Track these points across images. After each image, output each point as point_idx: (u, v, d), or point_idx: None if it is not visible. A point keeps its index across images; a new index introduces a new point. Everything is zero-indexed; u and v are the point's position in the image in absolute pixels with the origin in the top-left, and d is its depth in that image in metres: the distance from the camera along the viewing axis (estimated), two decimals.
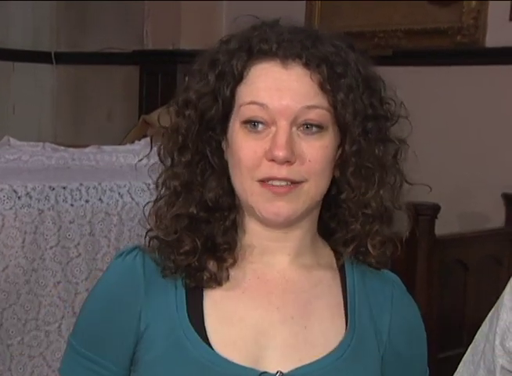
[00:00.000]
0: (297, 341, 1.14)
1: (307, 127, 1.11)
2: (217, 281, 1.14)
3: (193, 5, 4.31)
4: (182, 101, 1.17)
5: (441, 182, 3.63)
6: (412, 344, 1.23)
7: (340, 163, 1.15)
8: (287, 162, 1.10)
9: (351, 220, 1.17)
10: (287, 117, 1.10)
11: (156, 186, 1.19)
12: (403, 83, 4.35)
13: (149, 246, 1.18)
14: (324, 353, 1.14)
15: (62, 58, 4.98)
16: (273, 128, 1.11)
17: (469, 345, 3.31)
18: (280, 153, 1.09)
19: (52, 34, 5.02)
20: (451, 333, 3.15)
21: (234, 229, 1.17)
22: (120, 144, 3.45)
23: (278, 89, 1.11)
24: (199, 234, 1.15)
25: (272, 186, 1.11)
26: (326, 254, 1.21)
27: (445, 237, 3.11)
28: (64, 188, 2.35)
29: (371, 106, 1.16)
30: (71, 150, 2.72)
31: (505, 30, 3.48)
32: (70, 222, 2.36)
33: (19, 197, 2.27)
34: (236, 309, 1.14)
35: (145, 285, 1.15)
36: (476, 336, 1.27)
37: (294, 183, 1.11)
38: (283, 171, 1.10)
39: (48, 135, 4.66)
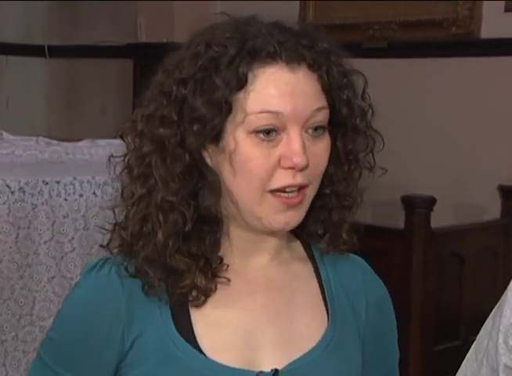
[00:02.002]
0: (285, 337, 1.14)
1: (315, 129, 1.10)
2: (205, 294, 1.11)
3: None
4: (188, 116, 1.08)
5: (436, 174, 3.63)
6: (385, 319, 1.25)
7: (331, 158, 1.14)
8: (304, 168, 1.08)
9: (332, 211, 1.17)
10: (300, 122, 1.08)
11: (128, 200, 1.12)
12: (398, 75, 4.36)
13: (127, 261, 1.12)
14: (310, 346, 1.14)
15: (55, 51, 4.96)
16: (284, 135, 1.08)
17: (465, 338, 3.32)
18: (299, 160, 1.07)
19: (45, 28, 5.00)
20: (447, 326, 3.15)
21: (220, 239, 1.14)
22: (114, 138, 3.44)
23: (291, 95, 1.07)
24: (194, 257, 1.11)
25: (285, 197, 1.09)
26: (297, 245, 1.21)
27: (441, 230, 3.11)
28: (58, 182, 2.34)
29: (358, 101, 1.16)
30: (65, 144, 2.71)
31: (500, 22, 3.47)
32: (64, 217, 2.35)
33: (12, 192, 2.25)
34: (223, 313, 1.13)
35: (126, 300, 1.11)
36: (479, 333, 1.27)
37: (301, 188, 1.10)
38: (298, 179, 1.08)
39: (42, 129, 4.64)
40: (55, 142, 2.71)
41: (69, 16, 4.92)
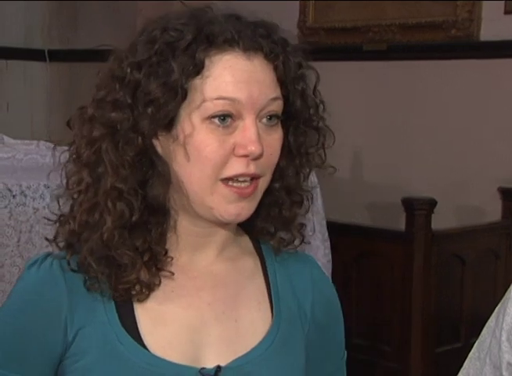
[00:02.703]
0: (230, 334, 1.13)
1: (269, 118, 1.09)
2: (149, 288, 1.10)
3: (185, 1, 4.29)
4: (142, 97, 1.06)
5: (437, 176, 3.63)
6: (331, 318, 1.24)
7: (283, 151, 1.13)
8: (259, 157, 1.07)
9: (283, 207, 1.17)
10: (255, 110, 1.07)
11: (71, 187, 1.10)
12: (398, 77, 4.36)
13: (68, 256, 1.10)
14: (255, 343, 1.14)
15: (55, 55, 4.97)
16: (239, 122, 1.07)
17: (466, 340, 3.32)
18: (254, 148, 1.06)
19: (45, 32, 5.00)
20: (448, 328, 3.15)
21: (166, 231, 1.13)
22: None
23: (247, 82, 1.07)
24: (139, 250, 1.09)
25: (236, 187, 1.07)
26: (244, 240, 1.20)
27: (442, 232, 3.12)
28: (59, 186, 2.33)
29: (312, 95, 1.15)
30: (65, 148, 2.70)
31: (500, 24, 3.47)
32: None
33: (13, 196, 2.25)
34: (168, 309, 1.12)
35: (68, 292, 1.10)
36: (482, 331, 1.27)
37: (254, 179, 1.08)
38: (252, 168, 1.07)
39: (42, 133, 4.65)
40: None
41: (68, 20, 4.92)
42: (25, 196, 2.27)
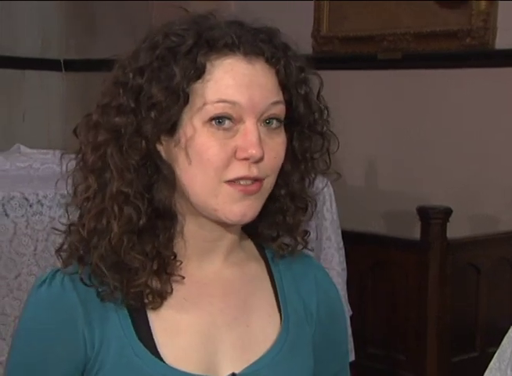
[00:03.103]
0: (243, 340, 1.14)
1: (267, 122, 1.09)
2: (161, 297, 1.10)
3: (201, 10, 4.30)
4: (145, 102, 1.07)
5: (452, 185, 3.62)
6: (335, 319, 1.25)
7: (287, 156, 1.14)
8: (259, 160, 1.08)
9: (287, 213, 1.17)
10: (256, 113, 1.07)
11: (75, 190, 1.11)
12: (412, 86, 4.35)
13: (81, 268, 1.10)
14: (266, 348, 1.14)
15: (71, 65, 4.99)
16: (240, 126, 1.07)
17: (482, 349, 3.29)
18: (255, 151, 1.06)
19: (61, 42, 5.03)
20: (464, 336, 3.14)
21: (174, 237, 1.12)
22: None
23: (248, 86, 1.07)
24: (148, 254, 1.09)
25: (241, 185, 1.07)
26: (248, 244, 1.20)
27: (457, 241, 3.11)
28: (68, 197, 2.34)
29: (316, 100, 1.16)
30: (73, 156, 2.70)
31: None
32: None
33: (30, 205, 2.27)
34: (181, 318, 1.12)
35: (82, 309, 1.09)
36: (503, 341, 1.26)
37: (257, 180, 1.09)
38: (254, 170, 1.07)
39: (58, 142, 4.67)
40: (73, 155, 2.72)
41: (84, 30, 4.95)
42: (42, 205, 2.29)
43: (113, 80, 1.11)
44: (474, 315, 3.15)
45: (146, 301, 1.10)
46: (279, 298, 1.18)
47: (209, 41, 1.08)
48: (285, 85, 1.11)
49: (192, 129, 1.07)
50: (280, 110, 1.10)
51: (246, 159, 1.07)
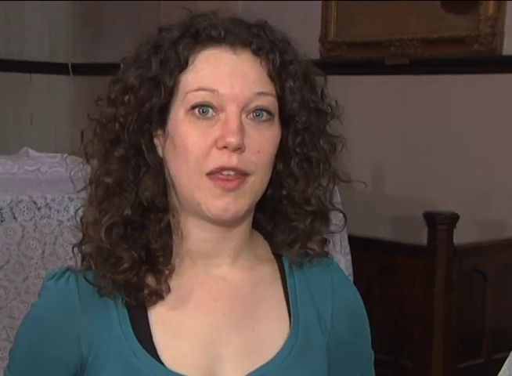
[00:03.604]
0: (248, 345, 1.12)
1: (257, 114, 1.08)
2: (158, 295, 1.10)
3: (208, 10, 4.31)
4: (121, 87, 1.10)
5: (459, 190, 3.62)
6: (355, 328, 1.21)
7: (281, 155, 1.13)
8: (238, 149, 1.06)
9: (293, 217, 1.14)
10: (238, 103, 1.06)
11: (86, 187, 1.14)
12: (420, 91, 4.34)
13: (82, 264, 1.12)
14: (273, 354, 1.11)
15: (78, 69, 5.01)
16: (222, 115, 1.07)
17: (488, 355, 3.28)
18: (233, 139, 1.05)
19: (69, 46, 5.04)
20: (470, 342, 3.13)
21: (168, 233, 1.12)
22: None
23: (229, 75, 1.07)
24: (135, 245, 1.09)
25: (221, 179, 1.06)
26: (261, 245, 1.18)
27: (464, 246, 3.10)
28: (83, 199, 2.35)
29: (315, 98, 1.14)
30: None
31: None
32: None
33: (38, 208, 2.27)
34: (183, 321, 1.11)
35: (81, 308, 1.10)
36: None
37: (242, 175, 1.07)
38: (233, 160, 1.06)
39: (65, 146, 4.68)
40: (80, 159, 2.73)
41: (92, 34, 4.96)
42: (50, 208, 2.29)
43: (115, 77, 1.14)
44: (480, 321, 3.14)
45: (145, 295, 1.10)
46: (290, 302, 1.15)
47: (193, 33, 1.09)
48: (274, 78, 1.10)
49: (175, 120, 1.08)
50: (268, 102, 1.09)
51: (225, 148, 1.06)
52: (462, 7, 3.57)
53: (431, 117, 3.72)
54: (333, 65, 3.79)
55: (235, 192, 1.07)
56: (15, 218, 2.23)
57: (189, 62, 1.08)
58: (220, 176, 1.06)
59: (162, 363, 1.08)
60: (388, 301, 3.19)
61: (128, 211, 1.09)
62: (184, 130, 1.07)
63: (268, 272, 1.17)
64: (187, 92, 1.07)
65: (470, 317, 3.12)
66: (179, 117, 1.08)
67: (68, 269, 1.14)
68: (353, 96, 3.89)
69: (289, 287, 1.16)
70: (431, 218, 3.05)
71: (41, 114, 4.94)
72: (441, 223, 3.02)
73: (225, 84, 1.07)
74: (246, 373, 1.10)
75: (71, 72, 5.02)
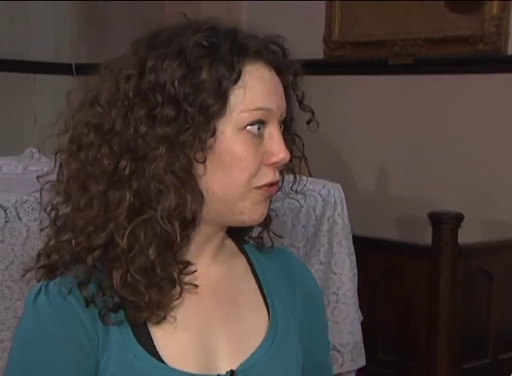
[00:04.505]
0: (237, 337, 1.16)
1: (279, 126, 1.13)
2: (161, 309, 1.09)
3: (212, 10, 4.32)
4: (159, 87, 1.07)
5: (463, 190, 3.61)
6: (317, 309, 1.28)
7: None
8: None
9: None
10: (278, 118, 1.12)
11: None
12: (424, 91, 4.34)
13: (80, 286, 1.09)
14: (258, 342, 1.16)
15: (82, 69, 5.01)
16: (265, 130, 1.11)
17: (494, 355, 3.26)
18: (285, 155, 1.11)
19: (73, 47, 5.05)
20: (476, 343, 3.12)
21: None
22: None
23: (274, 92, 1.11)
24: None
25: (265, 189, 1.12)
26: (229, 243, 1.22)
27: (469, 246, 3.10)
28: None
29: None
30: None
31: None
32: None
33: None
34: (178, 319, 1.12)
35: (86, 316, 1.08)
36: None
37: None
38: (278, 174, 1.13)
39: None
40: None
41: (96, 34, 4.97)
42: None
43: (147, 86, 1.08)
44: (485, 321, 3.14)
45: (148, 315, 1.10)
46: (264, 292, 1.20)
47: (242, 47, 1.09)
48: (286, 94, 1.15)
49: (225, 136, 1.08)
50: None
51: (273, 164, 1.10)
52: (466, 7, 3.57)
53: (435, 116, 3.72)
54: (336, 65, 3.78)
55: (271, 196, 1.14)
56: (20, 218, 2.23)
57: (240, 77, 1.08)
58: (264, 189, 1.12)
59: (163, 362, 1.10)
60: (393, 301, 3.19)
61: (124, 208, 1.09)
62: (237, 149, 1.08)
63: (242, 265, 1.22)
64: (242, 111, 1.08)
65: (475, 317, 3.12)
66: (228, 134, 1.08)
67: (48, 282, 1.11)
68: (357, 96, 3.89)
69: (260, 278, 1.21)
70: (436, 218, 3.04)
71: (45, 115, 4.94)
72: (445, 223, 3.01)
73: (273, 102, 1.11)
74: (239, 363, 1.14)
75: (75, 72, 5.02)
